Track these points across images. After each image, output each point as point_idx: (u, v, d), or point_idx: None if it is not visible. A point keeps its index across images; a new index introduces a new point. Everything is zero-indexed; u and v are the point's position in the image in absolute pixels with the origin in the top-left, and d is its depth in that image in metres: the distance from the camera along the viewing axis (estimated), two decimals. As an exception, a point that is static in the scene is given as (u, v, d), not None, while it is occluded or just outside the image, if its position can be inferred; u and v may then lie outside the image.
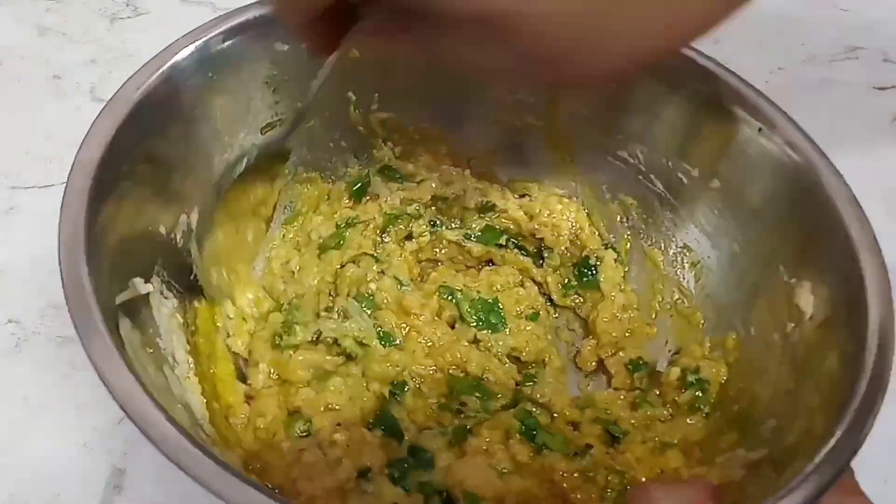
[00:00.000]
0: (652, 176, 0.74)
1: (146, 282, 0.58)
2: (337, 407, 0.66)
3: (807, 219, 0.63)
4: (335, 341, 0.69)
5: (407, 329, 0.72)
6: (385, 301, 0.73)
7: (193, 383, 0.60)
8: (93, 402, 0.67)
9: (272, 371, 0.67)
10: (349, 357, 0.70)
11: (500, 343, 0.73)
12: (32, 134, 0.84)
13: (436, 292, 0.75)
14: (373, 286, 0.74)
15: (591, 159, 0.77)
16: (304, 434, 0.63)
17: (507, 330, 0.74)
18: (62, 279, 0.49)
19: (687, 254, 0.74)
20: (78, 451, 0.66)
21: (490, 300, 0.75)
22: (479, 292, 0.75)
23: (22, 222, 0.74)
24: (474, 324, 0.73)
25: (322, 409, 0.65)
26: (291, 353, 0.67)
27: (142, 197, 0.59)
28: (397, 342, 0.71)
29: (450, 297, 0.74)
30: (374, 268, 0.75)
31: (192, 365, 0.61)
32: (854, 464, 0.50)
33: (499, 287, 0.77)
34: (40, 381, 0.69)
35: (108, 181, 0.54)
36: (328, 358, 0.68)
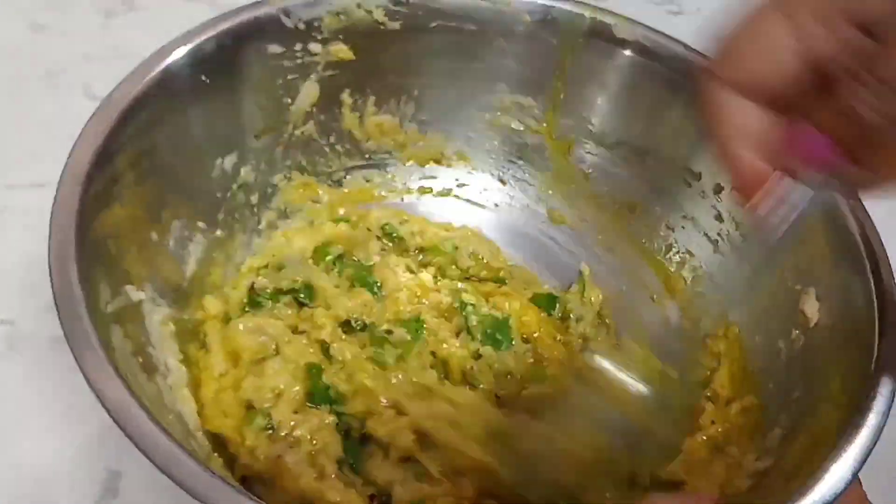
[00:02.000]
0: (654, 180, 0.73)
1: (138, 289, 0.57)
2: (281, 387, 0.63)
3: (812, 223, 0.61)
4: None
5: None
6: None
7: (185, 392, 0.58)
8: (88, 404, 0.65)
9: (224, 351, 0.65)
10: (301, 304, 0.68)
11: (497, 364, 0.70)
12: (26, 132, 0.83)
13: (449, 295, 0.72)
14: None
15: (591, 163, 0.77)
16: (268, 428, 0.61)
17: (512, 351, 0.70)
18: (52, 289, 0.48)
19: (689, 259, 0.73)
20: (73, 454, 0.64)
21: (500, 318, 0.71)
22: (493, 307, 0.72)
23: (15, 221, 0.74)
24: (479, 339, 0.70)
25: (269, 394, 0.62)
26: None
27: (133, 203, 0.58)
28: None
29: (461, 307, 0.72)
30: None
31: (184, 373, 0.60)
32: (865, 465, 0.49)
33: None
34: (34, 382, 0.68)
35: (98, 188, 0.53)
36: (271, 321, 0.66)
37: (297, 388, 0.63)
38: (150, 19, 0.99)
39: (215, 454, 0.57)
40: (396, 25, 0.70)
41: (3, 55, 0.93)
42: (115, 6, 1.00)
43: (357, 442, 0.63)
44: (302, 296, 0.69)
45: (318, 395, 0.63)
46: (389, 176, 0.80)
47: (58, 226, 0.50)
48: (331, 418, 0.63)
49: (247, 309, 0.67)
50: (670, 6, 1.11)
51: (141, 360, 0.54)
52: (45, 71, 0.92)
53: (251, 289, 0.68)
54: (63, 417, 0.66)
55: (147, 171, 0.59)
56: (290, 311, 0.68)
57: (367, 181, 0.79)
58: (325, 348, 0.66)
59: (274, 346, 0.65)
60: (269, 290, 0.68)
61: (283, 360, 0.64)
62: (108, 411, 0.45)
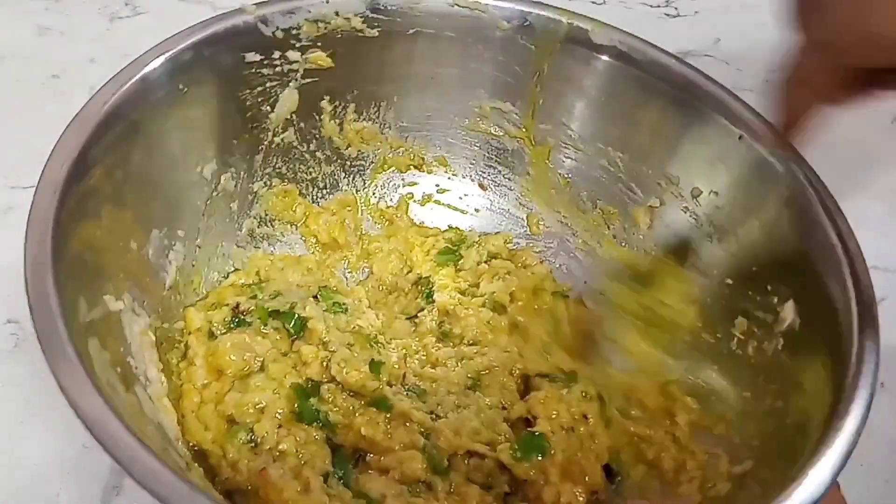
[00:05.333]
0: (632, 184, 0.73)
1: (117, 299, 0.57)
2: (264, 403, 0.62)
3: (788, 228, 0.62)
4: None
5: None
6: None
7: (166, 403, 0.58)
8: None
9: (207, 364, 0.64)
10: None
11: None
12: (31, 133, 0.82)
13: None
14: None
15: (570, 167, 0.77)
16: (251, 443, 0.60)
17: None
18: (28, 302, 0.48)
19: (669, 262, 0.73)
20: (77, 452, 0.64)
21: None
22: None
23: (21, 222, 0.74)
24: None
25: (252, 409, 0.62)
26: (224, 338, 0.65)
27: (111, 213, 0.58)
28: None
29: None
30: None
31: (164, 383, 0.59)
32: (857, 465, 0.49)
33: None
34: (40, 381, 0.68)
35: (74, 199, 0.53)
36: (258, 338, 0.65)
37: (282, 406, 0.62)
38: (153, 22, 1.01)
39: (196, 464, 0.57)
40: (375, 32, 0.70)
41: (8, 57, 0.94)
42: (119, 9, 1.02)
43: (349, 454, 0.63)
44: (291, 326, 0.67)
45: (306, 414, 0.63)
46: (370, 182, 0.80)
47: (33, 239, 0.50)
48: (320, 433, 0.62)
49: (231, 326, 0.67)
50: (667, 9, 1.12)
51: (120, 370, 0.54)
52: (50, 73, 0.93)
53: (235, 308, 0.67)
54: (68, 416, 0.65)
55: (124, 181, 0.59)
56: (278, 337, 0.67)
57: (347, 188, 0.79)
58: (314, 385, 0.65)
59: (259, 362, 0.64)
60: (253, 309, 0.68)
61: (268, 376, 0.64)
62: (85, 424, 0.44)
